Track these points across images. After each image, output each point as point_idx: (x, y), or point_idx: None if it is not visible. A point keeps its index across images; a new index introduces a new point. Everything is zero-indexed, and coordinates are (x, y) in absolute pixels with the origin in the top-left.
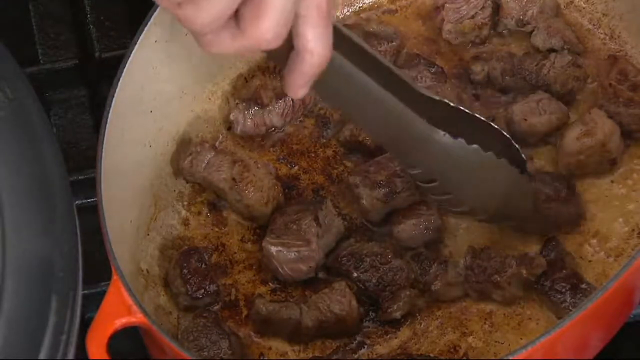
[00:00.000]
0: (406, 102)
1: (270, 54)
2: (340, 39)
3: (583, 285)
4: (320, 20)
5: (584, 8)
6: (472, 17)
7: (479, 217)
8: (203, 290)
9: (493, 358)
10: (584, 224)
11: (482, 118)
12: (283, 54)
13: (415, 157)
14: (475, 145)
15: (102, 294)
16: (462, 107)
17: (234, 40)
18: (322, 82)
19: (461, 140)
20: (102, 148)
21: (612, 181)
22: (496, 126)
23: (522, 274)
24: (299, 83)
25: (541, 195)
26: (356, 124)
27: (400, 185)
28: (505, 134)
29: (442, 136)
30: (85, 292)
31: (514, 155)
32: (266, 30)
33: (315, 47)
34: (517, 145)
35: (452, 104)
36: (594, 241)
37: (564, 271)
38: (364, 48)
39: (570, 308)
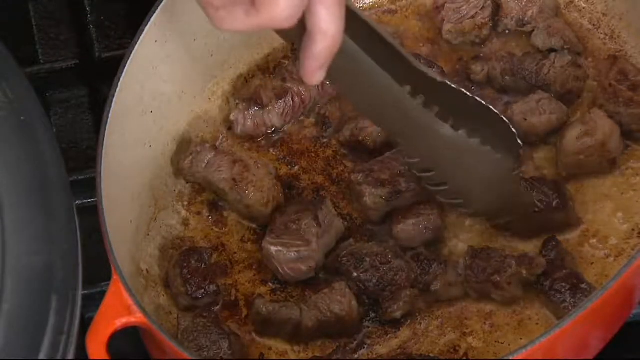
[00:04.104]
0: (412, 86)
1: (282, 34)
2: (351, 20)
3: (583, 285)
4: (334, 0)
5: (584, 8)
6: (472, 17)
7: (473, 211)
8: (203, 290)
9: (493, 358)
10: (583, 224)
11: (487, 105)
12: (295, 36)
13: (416, 146)
14: (476, 139)
15: (102, 294)
16: (473, 95)
17: (247, 18)
18: (333, 66)
19: (462, 134)
20: (102, 148)
21: (612, 181)
22: (501, 116)
23: (522, 274)
24: (314, 67)
25: (531, 202)
26: (361, 111)
27: (404, 184)
28: (511, 127)
29: (446, 129)
30: (85, 292)
31: (512, 149)
32: (282, 9)
33: (328, 27)
34: (521, 143)
35: (467, 93)
36: (594, 241)
37: (564, 271)
38: (373, 28)
39: (570, 308)
